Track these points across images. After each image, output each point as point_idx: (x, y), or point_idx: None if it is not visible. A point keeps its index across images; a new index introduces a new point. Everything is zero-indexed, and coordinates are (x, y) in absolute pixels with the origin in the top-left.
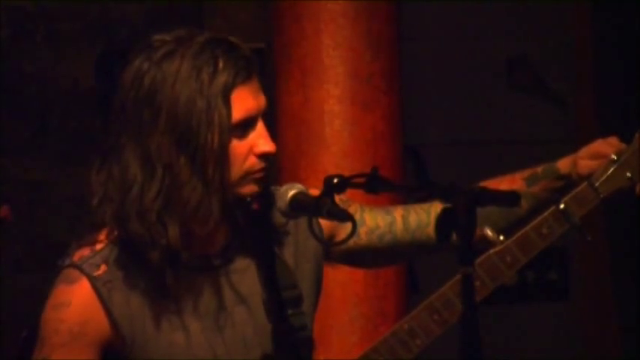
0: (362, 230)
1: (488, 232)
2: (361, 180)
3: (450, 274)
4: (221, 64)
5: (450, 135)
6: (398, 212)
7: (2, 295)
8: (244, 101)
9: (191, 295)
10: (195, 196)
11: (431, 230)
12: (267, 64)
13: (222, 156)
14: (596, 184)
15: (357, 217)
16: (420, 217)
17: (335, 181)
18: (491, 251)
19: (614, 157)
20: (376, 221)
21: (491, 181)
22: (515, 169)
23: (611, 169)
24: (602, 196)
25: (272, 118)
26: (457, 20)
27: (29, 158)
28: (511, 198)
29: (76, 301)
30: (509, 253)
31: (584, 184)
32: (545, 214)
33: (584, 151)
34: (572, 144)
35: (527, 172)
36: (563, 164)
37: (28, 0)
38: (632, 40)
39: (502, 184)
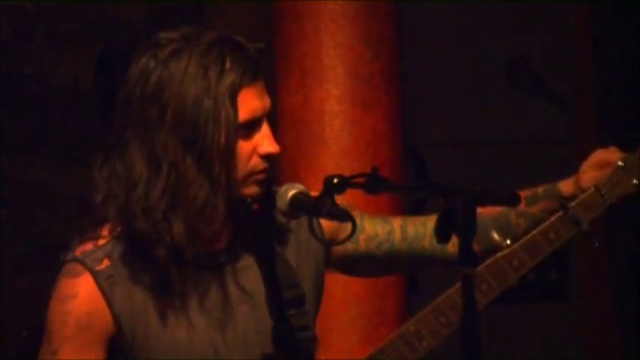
0: (361, 237)
1: (495, 236)
2: (361, 180)
3: (450, 274)
4: (228, 64)
5: (450, 135)
6: (396, 222)
7: (2, 295)
8: (250, 102)
9: (197, 292)
10: (201, 195)
11: (426, 242)
12: (268, 64)
13: (229, 155)
14: (603, 191)
15: (357, 222)
16: (418, 229)
17: (335, 181)
18: (498, 255)
19: (620, 163)
20: (375, 229)
21: None
22: (515, 169)
23: (618, 176)
24: (608, 202)
25: (272, 118)
26: (457, 20)
27: (29, 158)
28: (511, 198)
29: (82, 293)
30: (516, 256)
31: (592, 189)
32: (553, 219)
33: (587, 164)
34: (572, 144)
35: (528, 192)
36: (565, 186)
37: (28, 0)
38: (631, 39)
39: None
